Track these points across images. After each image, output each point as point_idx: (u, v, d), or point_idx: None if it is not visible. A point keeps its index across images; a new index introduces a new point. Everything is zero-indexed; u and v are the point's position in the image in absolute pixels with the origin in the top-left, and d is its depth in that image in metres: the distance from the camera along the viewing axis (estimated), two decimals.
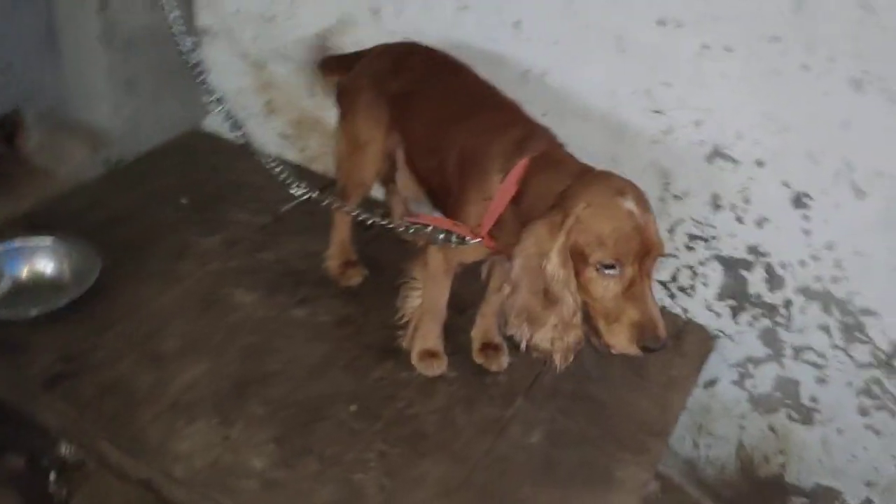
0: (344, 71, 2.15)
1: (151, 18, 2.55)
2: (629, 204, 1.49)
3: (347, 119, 2.07)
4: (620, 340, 1.51)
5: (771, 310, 2.19)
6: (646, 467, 1.86)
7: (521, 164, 1.64)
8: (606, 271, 1.49)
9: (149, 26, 2.57)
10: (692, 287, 2.29)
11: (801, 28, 1.83)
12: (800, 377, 2.24)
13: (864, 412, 2.18)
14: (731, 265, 2.20)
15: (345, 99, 2.10)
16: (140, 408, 1.82)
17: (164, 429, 1.78)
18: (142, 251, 2.30)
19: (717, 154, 2.07)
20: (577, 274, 1.52)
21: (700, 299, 2.30)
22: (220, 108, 2.04)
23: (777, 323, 2.20)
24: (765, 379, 2.30)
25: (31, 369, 1.88)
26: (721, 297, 2.26)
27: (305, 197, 1.93)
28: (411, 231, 1.82)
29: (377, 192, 2.44)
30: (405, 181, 2.08)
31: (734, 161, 2.06)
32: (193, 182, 2.66)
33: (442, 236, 1.73)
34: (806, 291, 2.12)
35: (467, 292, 2.02)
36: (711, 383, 2.38)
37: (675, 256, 2.26)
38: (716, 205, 2.14)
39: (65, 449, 1.92)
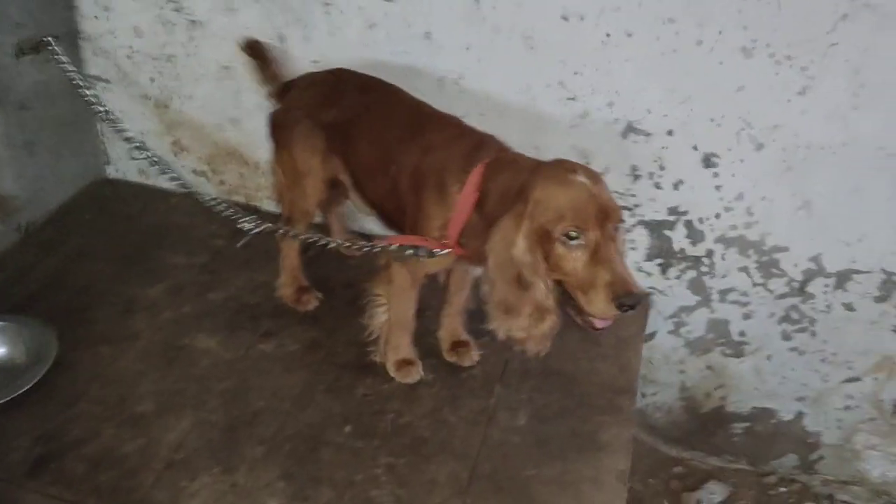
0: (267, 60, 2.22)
1: (40, 76, 2.46)
2: (580, 178, 1.61)
3: (284, 152, 2.10)
4: (598, 304, 1.56)
5: (695, 261, 2.41)
6: (625, 425, 2.03)
7: (476, 171, 1.74)
8: (572, 242, 1.56)
9: (39, 84, 2.47)
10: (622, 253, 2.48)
11: (693, 8, 2.02)
12: (728, 316, 2.48)
13: (787, 337, 2.45)
14: (655, 227, 2.40)
15: (279, 132, 2.12)
16: (137, 475, 1.79)
17: (169, 490, 1.77)
18: (85, 315, 2.23)
19: (630, 130, 2.25)
20: (548, 256, 1.61)
21: (631, 263, 2.48)
22: (142, 154, 2.02)
23: (702, 272, 2.42)
24: (697, 324, 2.53)
25: (10, 458, 1.81)
26: (649, 257, 2.46)
27: (258, 230, 1.95)
28: (377, 250, 1.88)
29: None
30: (359, 203, 2.13)
31: (646, 134, 2.25)
32: (113, 234, 2.59)
33: (410, 252, 1.81)
34: (724, 240, 2.35)
35: (419, 296, 2.09)
36: (650, 336, 2.59)
37: None
38: (635, 175, 2.32)
39: None
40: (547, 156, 1.77)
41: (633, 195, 2.36)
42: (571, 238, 1.58)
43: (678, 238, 2.39)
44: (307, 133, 2.04)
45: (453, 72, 2.30)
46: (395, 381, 2.08)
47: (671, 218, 2.36)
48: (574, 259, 1.59)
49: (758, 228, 2.30)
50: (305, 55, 2.41)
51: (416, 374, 2.08)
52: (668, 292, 2.50)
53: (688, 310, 2.51)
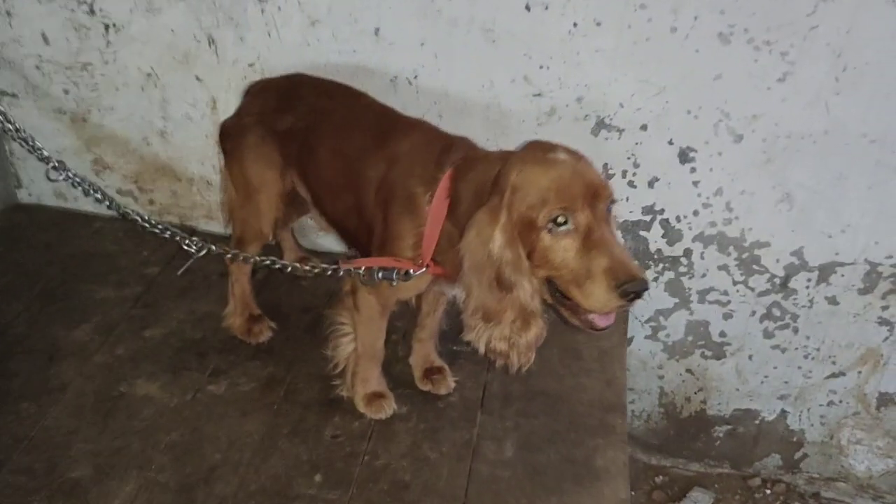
0: None
1: None
2: (561, 155, 1.42)
3: (235, 164, 1.87)
4: (599, 296, 1.35)
5: (673, 262, 2.28)
6: (619, 447, 1.88)
7: (445, 177, 1.54)
8: (560, 229, 1.36)
9: None
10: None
11: None
12: (708, 317, 2.36)
13: (768, 335, 2.35)
14: (630, 228, 2.25)
15: (229, 143, 1.88)
16: None
17: None
18: (1, 366, 1.94)
19: (601, 126, 2.10)
20: (532, 250, 1.40)
21: None
22: (61, 175, 1.75)
23: (680, 273, 2.29)
24: (676, 327, 2.40)
25: None
26: None
27: (203, 252, 1.71)
28: (341, 274, 1.67)
29: None
30: (321, 221, 1.91)
31: (619, 129, 2.10)
32: (30, 267, 2.30)
33: (381, 275, 1.60)
34: (702, 238, 2.22)
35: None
36: (627, 342, 2.45)
37: None
38: (607, 173, 2.17)
39: None
40: None
41: None
42: (559, 224, 1.36)
43: (654, 238, 2.25)
44: (260, 143, 1.81)
45: (407, 70, 2.10)
46: (367, 418, 1.87)
47: (646, 217, 2.22)
48: (564, 248, 1.38)
49: (738, 224, 2.18)
50: (240, 58, 2.18)
51: (388, 408, 1.88)
52: (644, 296, 2.36)
53: (665, 312, 2.38)
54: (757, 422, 2.53)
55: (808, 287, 2.24)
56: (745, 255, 2.23)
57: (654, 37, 1.95)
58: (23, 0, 2.22)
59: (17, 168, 2.54)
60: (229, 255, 1.81)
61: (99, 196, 1.76)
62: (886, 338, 2.28)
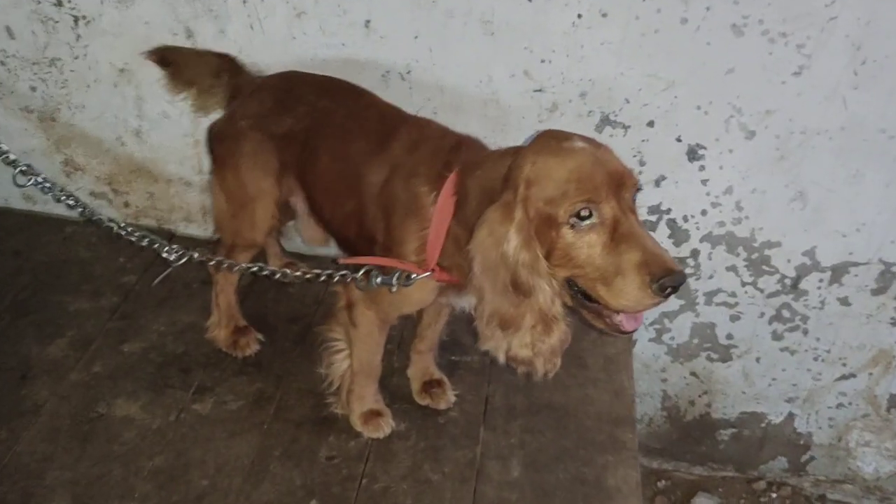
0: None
1: None
2: (578, 143, 1.30)
3: (227, 172, 1.73)
4: (631, 294, 1.22)
5: (679, 263, 2.18)
6: (630, 464, 1.78)
7: (451, 177, 1.42)
8: (583, 223, 1.24)
9: None
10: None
11: None
12: (714, 319, 2.27)
13: (777, 337, 2.26)
14: None
15: (221, 148, 1.75)
16: None
17: None
18: None
19: (606, 122, 1.99)
20: (552, 248, 1.28)
21: None
22: (30, 179, 1.60)
23: (687, 274, 2.20)
24: (681, 330, 2.31)
25: None
26: None
27: (183, 260, 1.57)
28: (335, 279, 1.54)
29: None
30: (311, 232, 1.79)
31: (624, 126, 1.99)
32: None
33: (379, 280, 1.47)
34: (710, 238, 2.13)
35: None
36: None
37: None
38: None
39: None
40: None
41: None
42: (582, 218, 1.24)
43: (660, 239, 2.11)
44: (257, 148, 1.68)
45: (400, 65, 1.98)
46: (363, 437, 1.76)
47: (653, 218, 2.12)
48: (589, 244, 1.25)
49: (747, 224, 2.09)
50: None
51: (386, 426, 1.77)
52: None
53: (671, 315, 2.29)
54: (763, 425, 2.46)
55: (819, 288, 2.15)
56: (754, 256, 2.13)
57: (664, 28, 1.84)
58: None
59: None
60: (213, 263, 1.68)
61: (71, 202, 1.61)
62: None
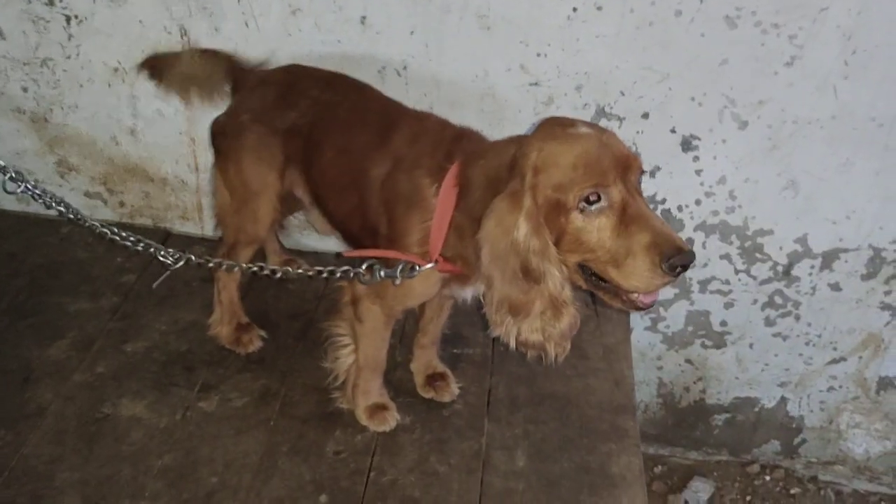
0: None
1: None
2: (583, 129, 1.32)
3: (230, 166, 1.74)
4: (642, 275, 1.25)
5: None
6: (633, 451, 1.81)
7: (452, 168, 1.43)
8: (592, 207, 1.26)
9: None
10: None
11: None
12: (709, 307, 2.31)
13: (770, 323, 2.30)
14: None
15: (223, 142, 1.75)
16: None
17: None
18: None
19: (601, 115, 2.01)
20: (562, 235, 1.30)
21: None
22: (19, 187, 1.58)
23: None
24: (676, 318, 2.35)
25: None
26: None
27: (181, 263, 1.57)
28: (338, 275, 1.55)
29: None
30: (323, 223, 1.79)
31: (620, 118, 2.01)
32: None
33: (383, 273, 1.48)
34: (704, 227, 2.16)
35: None
36: None
37: None
38: None
39: None
40: None
41: None
42: (591, 203, 1.26)
43: None
44: (260, 142, 1.68)
45: (396, 60, 1.99)
46: (369, 431, 1.78)
47: None
48: (599, 228, 1.27)
49: (741, 213, 2.12)
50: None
51: (391, 419, 1.79)
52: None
53: (666, 304, 2.32)
54: (756, 409, 2.50)
55: (810, 274, 2.19)
56: (747, 244, 2.17)
57: (658, 21, 1.86)
58: None
59: None
60: (212, 265, 1.68)
61: (62, 209, 1.59)
62: (888, 322, 2.26)
